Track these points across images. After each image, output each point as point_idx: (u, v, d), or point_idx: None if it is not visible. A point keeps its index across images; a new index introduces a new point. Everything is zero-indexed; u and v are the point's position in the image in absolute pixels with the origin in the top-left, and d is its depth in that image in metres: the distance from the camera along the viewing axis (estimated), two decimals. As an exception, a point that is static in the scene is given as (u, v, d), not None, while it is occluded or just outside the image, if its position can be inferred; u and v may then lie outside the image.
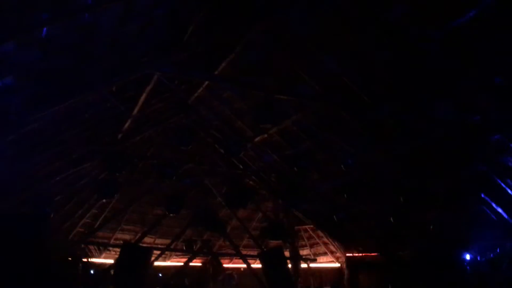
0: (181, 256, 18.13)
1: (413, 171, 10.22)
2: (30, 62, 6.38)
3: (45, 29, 5.60)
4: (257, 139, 12.45)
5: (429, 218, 10.77)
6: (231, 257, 18.01)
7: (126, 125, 11.79)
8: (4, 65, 5.83)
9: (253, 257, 14.49)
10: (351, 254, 15.73)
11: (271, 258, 11.87)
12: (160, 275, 17.11)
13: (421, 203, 10.60)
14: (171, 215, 11.60)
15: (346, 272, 15.76)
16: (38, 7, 5.31)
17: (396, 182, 10.76)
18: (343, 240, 15.72)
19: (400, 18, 7.08)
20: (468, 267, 10.02)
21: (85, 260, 15.44)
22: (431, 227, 10.46)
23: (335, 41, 8.31)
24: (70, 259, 15.07)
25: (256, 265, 14.30)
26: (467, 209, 10.06)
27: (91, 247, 16.53)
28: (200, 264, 17.65)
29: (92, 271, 15.85)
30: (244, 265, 14.87)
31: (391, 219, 10.54)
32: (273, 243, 12.85)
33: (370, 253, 14.86)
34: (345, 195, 10.82)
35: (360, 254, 15.31)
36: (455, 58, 7.28)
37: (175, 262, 18.57)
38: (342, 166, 10.38)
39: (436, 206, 10.51)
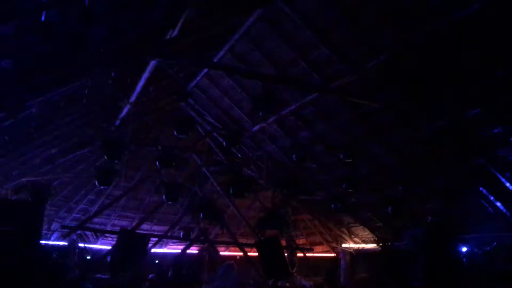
0: (178, 244, 18.21)
1: (412, 162, 10.22)
2: (29, 46, 6.31)
3: (44, 12, 5.52)
4: (255, 128, 12.43)
5: (427, 209, 10.80)
6: (227, 245, 18.05)
7: (124, 112, 11.74)
8: (2, 47, 5.76)
9: (250, 245, 14.53)
10: (347, 245, 15.82)
11: (267, 247, 11.88)
12: (157, 261, 17.17)
13: (420, 194, 10.65)
14: (168, 202, 11.57)
15: (342, 262, 15.87)
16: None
17: (395, 173, 10.77)
18: (340, 230, 15.79)
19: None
20: (464, 259, 10.05)
21: (81, 245, 15.50)
22: (429, 218, 10.48)
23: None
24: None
25: (253, 253, 14.34)
26: (465, 202, 10.07)
27: (88, 233, 16.53)
28: (196, 252, 17.66)
29: (88, 257, 15.90)
30: (241, 253, 14.94)
31: (389, 209, 10.55)
32: (270, 232, 12.85)
33: (367, 243, 14.93)
34: (343, 186, 10.83)
35: (357, 245, 15.39)
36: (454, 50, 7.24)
37: (172, 249, 18.65)
38: (340, 156, 10.38)
39: (435, 197, 10.55)
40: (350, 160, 10.35)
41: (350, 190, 10.90)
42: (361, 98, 8.88)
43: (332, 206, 11.42)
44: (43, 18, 5.76)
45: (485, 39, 6.81)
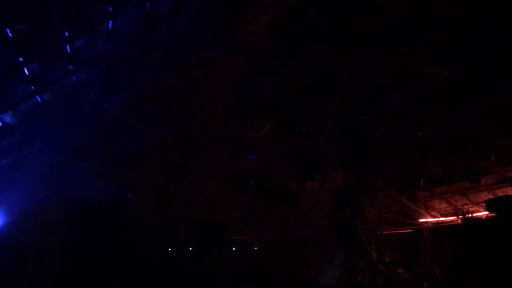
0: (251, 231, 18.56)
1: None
2: (99, 55, 6.66)
3: (110, 22, 5.80)
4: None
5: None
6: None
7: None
8: (78, 60, 6.13)
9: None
10: (424, 219, 15.36)
11: (341, 228, 11.86)
12: (234, 249, 17.61)
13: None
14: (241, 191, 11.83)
15: (422, 237, 15.43)
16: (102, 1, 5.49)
17: (474, 142, 10.25)
18: (416, 205, 15.35)
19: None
20: None
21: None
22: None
23: None
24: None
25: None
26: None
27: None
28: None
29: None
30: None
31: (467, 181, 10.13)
32: (344, 212, 12.78)
33: (446, 216, 14.42)
34: (418, 158, 10.49)
35: (435, 219, 14.90)
36: None
37: (246, 237, 19.04)
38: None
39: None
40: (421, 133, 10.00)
41: (424, 164, 10.56)
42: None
43: (409, 181, 11.13)
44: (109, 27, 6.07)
45: None
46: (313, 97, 10.71)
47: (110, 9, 5.46)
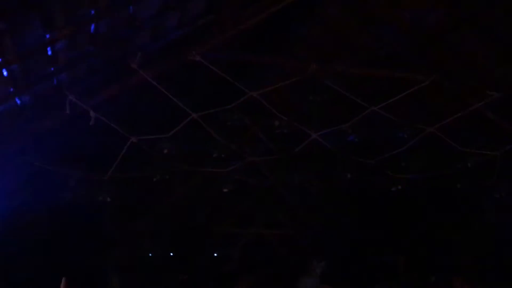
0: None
1: None
2: (80, 57, 6.60)
3: (93, 25, 5.75)
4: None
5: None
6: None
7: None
8: (58, 63, 6.06)
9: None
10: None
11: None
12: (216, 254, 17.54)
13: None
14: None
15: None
16: (85, 3, 5.44)
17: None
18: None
19: None
20: None
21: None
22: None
23: None
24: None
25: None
26: None
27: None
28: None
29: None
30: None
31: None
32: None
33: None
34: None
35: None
36: None
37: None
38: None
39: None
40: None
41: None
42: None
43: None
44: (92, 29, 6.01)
45: None
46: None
47: (93, 12, 5.42)
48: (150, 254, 13.64)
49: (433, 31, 8.33)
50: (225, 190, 11.34)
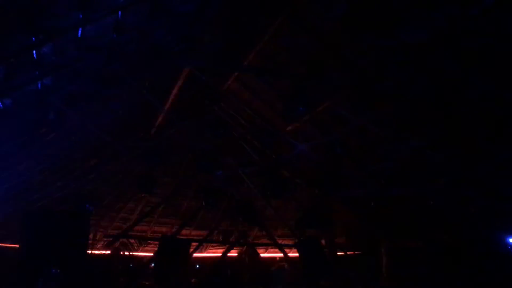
0: (218, 247, 18.36)
1: (453, 154, 9.93)
2: (67, 62, 6.49)
3: (80, 29, 5.67)
4: (289, 128, 12.36)
5: (471, 203, 10.47)
6: (267, 246, 18.09)
7: (159, 119, 11.93)
8: (44, 67, 5.95)
9: (289, 246, 14.52)
10: (389, 241, 15.49)
11: (308, 247, 11.87)
12: (198, 266, 17.37)
13: (463, 187, 10.30)
14: (208, 208, 11.70)
15: (384, 260, 15.56)
16: (73, 7, 5.37)
17: (436, 166, 10.49)
18: (381, 227, 15.49)
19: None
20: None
21: (126, 253, 15.85)
22: (473, 211, 10.17)
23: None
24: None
25: (292, 254, 14.31)
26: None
27: (132, 240, 16.90)
28: (236, 255, 17.77)
29: (131, 265, 16.25)
30: (281, 254, 14.94)
31: (431, 203, 10.31)
32: (310, 232, 12.80)
33: (409, 239, 14.60)
34: (382, 181, 10.63)
35: (399, 241, 15.05)
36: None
37: (212, 253, 18.83)
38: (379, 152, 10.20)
39: (479, 190, 10.19)
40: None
41: (390, 185, 10.68)
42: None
43: (372, 202, 11.26)
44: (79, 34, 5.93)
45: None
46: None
47: (80, 16, 5.35)
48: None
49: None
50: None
